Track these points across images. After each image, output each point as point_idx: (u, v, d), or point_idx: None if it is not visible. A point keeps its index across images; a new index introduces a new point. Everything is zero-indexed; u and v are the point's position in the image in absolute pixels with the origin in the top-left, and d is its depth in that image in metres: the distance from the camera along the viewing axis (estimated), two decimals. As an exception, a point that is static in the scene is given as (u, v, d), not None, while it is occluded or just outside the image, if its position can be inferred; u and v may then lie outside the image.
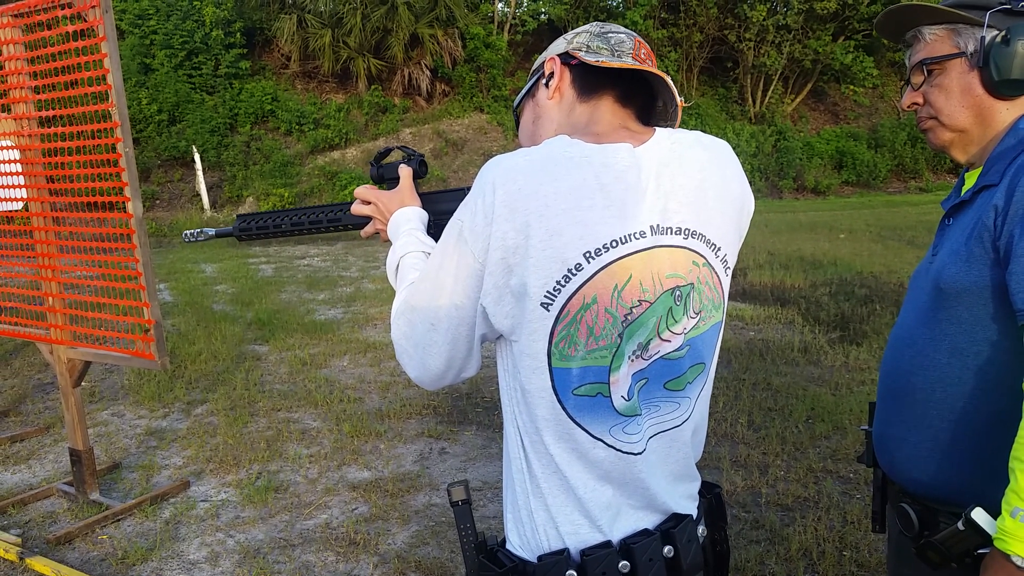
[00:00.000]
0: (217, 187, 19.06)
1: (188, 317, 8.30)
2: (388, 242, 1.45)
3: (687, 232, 1.15)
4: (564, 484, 1.15)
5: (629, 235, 1.10)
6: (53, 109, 3.58)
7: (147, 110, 18.99)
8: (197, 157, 18.38)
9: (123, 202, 3.44)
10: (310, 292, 9.76)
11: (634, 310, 1.11)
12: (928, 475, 1.41)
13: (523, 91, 1.34)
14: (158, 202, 18.46)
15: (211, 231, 1.78)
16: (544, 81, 1.27)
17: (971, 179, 1.47)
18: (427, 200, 1.48)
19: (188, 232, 1.78)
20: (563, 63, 1.26)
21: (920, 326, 1.45)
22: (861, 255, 10.99)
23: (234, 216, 17.87)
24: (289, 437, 4.85)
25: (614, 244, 1.09)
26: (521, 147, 1.30)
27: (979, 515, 1.23)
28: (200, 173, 18.36)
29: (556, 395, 1.12)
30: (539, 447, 1.15)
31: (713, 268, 1.20)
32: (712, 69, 25.12)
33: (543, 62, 1.29)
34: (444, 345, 1.17)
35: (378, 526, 3.69)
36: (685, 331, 1.18)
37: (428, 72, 21.96)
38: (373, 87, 21.66)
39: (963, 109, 1.42)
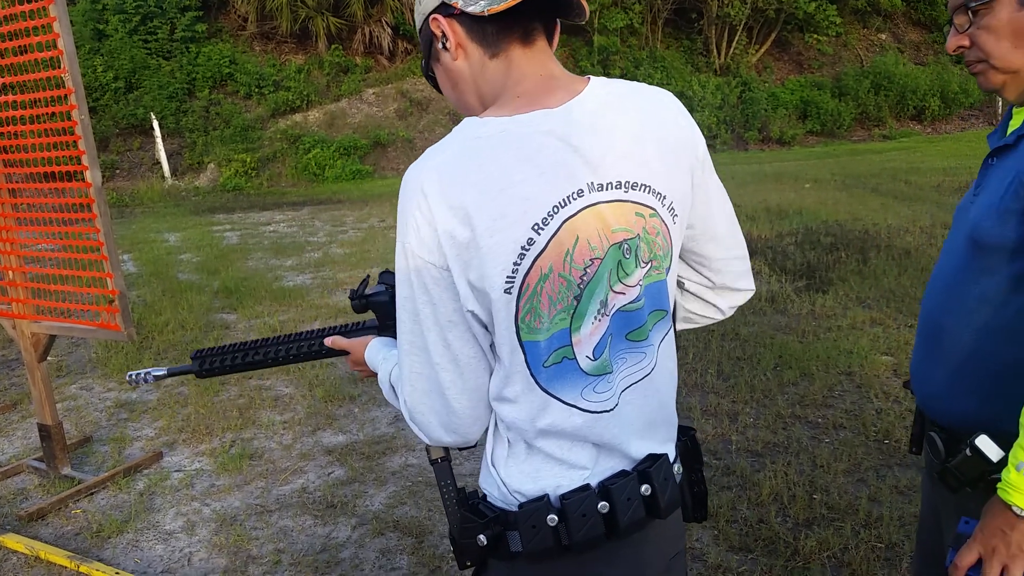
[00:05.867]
0: (177, 154, 18.68)
1: (153, 287, 8.19)
2: (373, 376, 1.42)
3: (628, 184, 1.14)
4: (542, 453, 1.17)
5: (567, 197, 1.09)
6: (3, 77, 3.47)
7: (102, 78, 18.47)
8: (156, 124, 17.98)
9: (81, 171, 3.36)
10: (277, 258, 9.67)
11: (588, 270, 1.12)
12: (951, 407, 1.48)
13: (424, 60, 1.27)
14: (118, 172, 18.07)
15: (161, 371, 1.63)
16: (440, 44, 1.17)
17: (1019, 117, 1.45)
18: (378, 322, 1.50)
19: (131, 373, 1.63)
20: (447, 17, 1.15)
21: (955, 270, 1.48)
22: (826, 204, 11.08)
23: (195, 186, 17.58)
24: (262, 404, 4.84)
25: (556, 210, 1.08)
26: (455, 110, 1.27)
27: (983, 442, 1.32)
28: (159, 141, 17.97)
29: (529, 370, 1.12)
30: (513, 424, 1.16)
31: (661, 218, 1.18)
32: (677, 21, 24.92)
33: (425, 23, 1.18)
34: (457, 380, 1.14)
35: (355, 488, 3.71)
36: (639, 282, 1.18)
37: (390, 30, 21.57)
38: (333, 47, 21.24)
39: (1016, 51, 1.37)
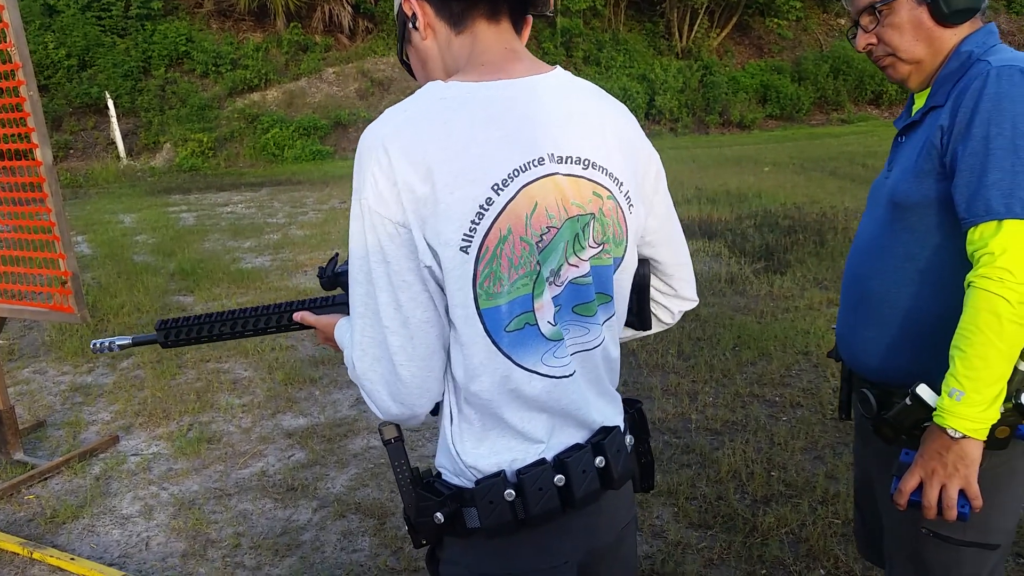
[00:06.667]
0: (133, 134, 18.30)
1: (108, 269, 8.04)
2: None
3: (586, 162, 1.16)
4: (500, 423, 1.17)
5: (528, 163, 1.10)
6: (-56, 52, 3.36)
7: (54, 55, 17.97)
8: (110, 103, 17.57)
9: (31, 150, 3.28)
10: (235, 240, 9.53)
11: (544, 236, 1.13)
12: (884, 363, 1.60)
13: (399, 43, 1.29)
14: (71, 151, 17.65)
15: (125, 340, 1.62)
16: (412, 24, 1.21)
17: (920, 100, 1.62)
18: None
19: (96, 342, 1.63)
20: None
21: (878, 236, 1.62)
22: (784, 187, 11.21)
23: (151, 166, 17.23)
24: (220, 388, 4.78)
25: (516, 173, 1.09)
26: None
27: (923, 391, 1.44)
28: (114, 120, 17.58)
29: (490, 337, 1.12)
30: (474, 398, 1.16)
31: (618, 202, 1.21)
32: (639, 3, 24.95)
33: (399, 6, 1.22)
34: (406, 345, 1.11)
35: (316, 471, 3.68)
36: (588, 259, 1.20)
37: (349, 8, 21.27)
38: (292, 24, 20.90)
39: (918, 43, 1.55)
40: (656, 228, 1.33)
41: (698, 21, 24.24)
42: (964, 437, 1.37)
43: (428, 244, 1.07)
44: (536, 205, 1.11)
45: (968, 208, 1.39)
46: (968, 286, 1.38)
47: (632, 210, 1.23)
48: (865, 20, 1.59)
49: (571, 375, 1.19)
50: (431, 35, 1.20)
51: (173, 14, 20.64)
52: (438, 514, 1.19)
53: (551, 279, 1.15)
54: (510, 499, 1.16)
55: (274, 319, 1.53)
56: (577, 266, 1.18)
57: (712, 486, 3.35)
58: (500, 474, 1.17)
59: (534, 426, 1.19)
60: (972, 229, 1.39)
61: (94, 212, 12.17)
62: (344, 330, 1.35)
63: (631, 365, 4.78)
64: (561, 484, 1.18)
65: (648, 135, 1.31)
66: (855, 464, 1.93)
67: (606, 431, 1.25)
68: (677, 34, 24.35)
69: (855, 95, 24.53)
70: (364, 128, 1.13)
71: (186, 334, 1.56)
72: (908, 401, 1.46)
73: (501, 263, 1.09)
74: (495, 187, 1.07)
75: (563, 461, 1.19)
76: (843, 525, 3.02)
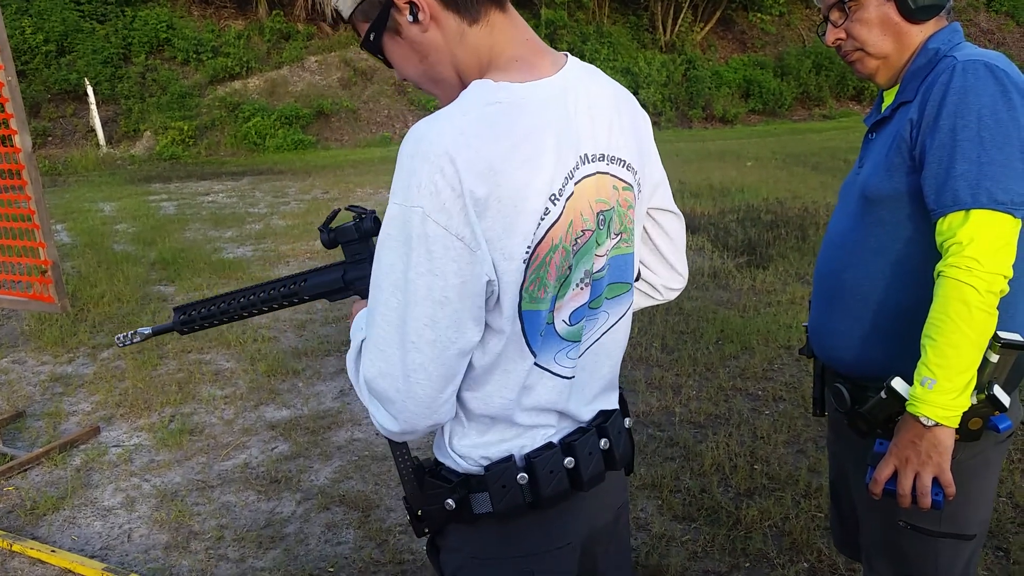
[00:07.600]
0: (112, 121, 18.07)
1: (88, 259, 7.95)
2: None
3: (608, 157, 1.17)
4: (505, 422, 1.18)
5: (573, 169, 1.09)
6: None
7: (32, 40, 17.69)
8: (90, 90, 17.33)
9: (9, 136, 3.23)
10: (216, 229, 9.46)
11: (579, 240, 1.12)
12: (858, 357, 1.63)
13: (369, 32, 1.13)
14: (50, 139, 17.40)
15: (147, 330, 1.56)
16: (409, 16, 1.08)
17: (889, 96, 1.65)
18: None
19: (120, 336, 1.58)
20: None
21: (850, 231, 1.64)
22: (767, 182, 11.26)
23: (131, 154, 17.04)
24: (202, 379, 4.75)
25: (566, 181, 1.08)
26: (416, 85, 1.20)
27: (898, 383, 1.47)
28: (94, 107, 17.33)
29: (526, 338, 1.12)
30: (492, 396, 1.15)
31: (633, 191, 1.22)
32: (623, -4, 24.95)
33: None
34: (428, 364, 1.04)
35: (299, 463, 3.67)
36: (607, 252, 1.20)
37: (333, -3, 21.11)
38: (274, 12, 20.72)
39: (885, 38, 1.59)
40: (662, 199, 1.34)
41: (682, 15, 24.25)
42: (937, 425, 1.39)
43: (492, 258, 1.03)
44: (575, 211, 1.10)
45: (936, 199, 1.42)
46: (938, 276, 1.41)
47: (640, 196, 1.26)
48: (835, 15, 1.62)
49: (572, 377, 1.20)
50: (435, 27, 1.09)
51: (154, 0, 20.39)
52: (449, 500, 1.19)
53: (585, 280, 1.15)
54: (523, 483, 1.17)
55: (292, 287, 1.43)
56: (594, 263, 1.18)
57: (696, 479, 3.37)
58: (510, 459, 1.18)
59: (544, 418, 1.20)
60: (941, 220, 1.42)
61: (73, 200, 12.03)
62: (361, 323, 1.23)
63: (615, 358, 4.78)
64: (571, 466, 1.20)
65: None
66: (830, 459, 1.97)
67: (606, 414, 1.28)
68: (661, 28, 24.35)
69: (837, 91, 24.65)
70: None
71: (206, 309, 1.49)
72: (883, 395, 1.48)
73: (549, 271, 1.08)
74: (552, 197, 1.06)
75: (570, 444, 1.21)
76: (826, 519, 3.04)
